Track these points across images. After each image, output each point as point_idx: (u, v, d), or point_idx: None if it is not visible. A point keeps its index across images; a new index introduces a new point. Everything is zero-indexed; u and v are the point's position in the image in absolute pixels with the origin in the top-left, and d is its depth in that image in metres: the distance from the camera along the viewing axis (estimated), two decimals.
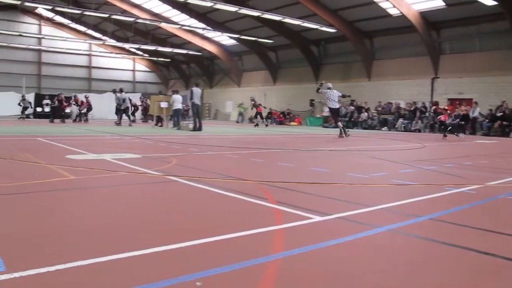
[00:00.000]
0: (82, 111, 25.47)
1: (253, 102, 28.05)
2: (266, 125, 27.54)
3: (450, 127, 18.80)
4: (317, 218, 3.37)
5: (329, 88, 16.17)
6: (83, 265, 2.25)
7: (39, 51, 43.98)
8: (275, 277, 2.21)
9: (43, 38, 41.20)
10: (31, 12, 43.13)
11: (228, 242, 2.73)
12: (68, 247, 2.56)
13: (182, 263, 2.34)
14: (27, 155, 7.20)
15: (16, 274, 2.10)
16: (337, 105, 16.50)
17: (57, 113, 24.37)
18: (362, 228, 3.18)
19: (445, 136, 17.51)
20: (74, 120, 25.00)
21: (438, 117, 18.59)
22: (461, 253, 2.71)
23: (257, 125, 27.00)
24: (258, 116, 28.18)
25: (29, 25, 43.59)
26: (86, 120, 25.68)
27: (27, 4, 28.99)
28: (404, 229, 3.18)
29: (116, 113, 22.19)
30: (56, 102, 24.03)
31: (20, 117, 26.58)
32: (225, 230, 2.94)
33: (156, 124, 21.94)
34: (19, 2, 27.68)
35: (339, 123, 16.75)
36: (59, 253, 2.42)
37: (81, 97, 26.31)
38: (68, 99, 25.03)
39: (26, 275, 2.10)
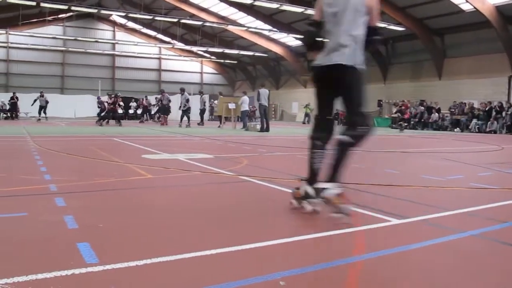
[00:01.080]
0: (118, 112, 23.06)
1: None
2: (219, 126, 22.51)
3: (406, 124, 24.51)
4: (395, 221, 3.31)
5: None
6: (170, 260, 2.34)
7: (113, 55, 46.14)
8: (358, 279, 2.20)
9: (116, 43, 43.20)
10: (106, 19, 45.40)
11: (308, 242, 2.74)
12: (154, 242, 2.68)
13: (264, 262, 2.38)
14: (105, 154, 7.58)
15: (108, 267, 2.22)
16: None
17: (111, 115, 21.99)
18: (444, 232, 3.09)
19: (402, 130, 22.41)
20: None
21: (404, 115, 23.60)
22: None
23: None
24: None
25: (104, 32, 45.88)
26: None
27: (103, 12, 30.55)
28: (489, 235, 3.05)
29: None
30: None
31: (38, 119, 25.05)
32: (304, 230, 2.97)
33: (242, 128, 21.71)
34: (95, 11, 29.26)
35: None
36: (146, 248, 2.54)
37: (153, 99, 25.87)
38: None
39: (117, 267, 2.22)
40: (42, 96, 25.54)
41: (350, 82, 3.40)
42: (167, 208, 3.75)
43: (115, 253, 2.44)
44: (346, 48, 3.35)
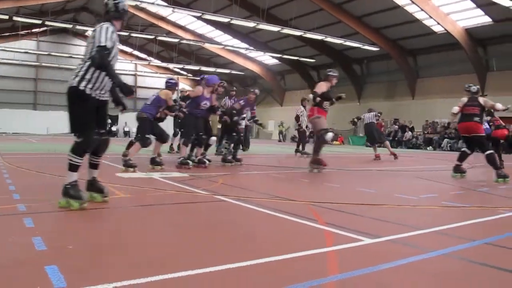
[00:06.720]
0: None
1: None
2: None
3: None
4: (367, 241, 3.33)
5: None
6: (140, 283, 2.29)
7: None
8: None
9: None
10: (81, 35, 44.99)
11: (281, 263, 2.73)
12: (125, 264, 2.63)
13: (238, 284, 2.37)
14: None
15: None
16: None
17: None
18: (415, 251, 3.12)
19: None
20: None
21: None
22: None
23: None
24: None
25: (79, 47, 45.41)
26: None
27: (78, 27, 30.34)
28: (459, 254, 3.10)
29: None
30: None
31: None
32: (278, 251, 2.95)
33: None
34: (70, 26, 29.04)
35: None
36: (116, 270, 2.49)
37: None
38: None
39: None
40: None
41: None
42: (141, 228, 3.69)
43: (84, 277, 2.38)
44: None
